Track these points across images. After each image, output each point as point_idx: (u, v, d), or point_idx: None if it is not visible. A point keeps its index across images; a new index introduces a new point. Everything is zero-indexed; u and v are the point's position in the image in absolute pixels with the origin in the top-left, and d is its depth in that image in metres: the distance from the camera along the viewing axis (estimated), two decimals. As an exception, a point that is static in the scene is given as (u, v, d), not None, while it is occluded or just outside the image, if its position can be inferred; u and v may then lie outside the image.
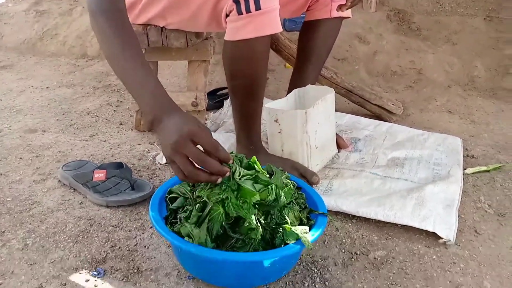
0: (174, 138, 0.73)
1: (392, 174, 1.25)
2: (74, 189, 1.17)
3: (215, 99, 1.74)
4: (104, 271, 0.89)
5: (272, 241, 0.80)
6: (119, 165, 1.19)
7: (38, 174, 1.25)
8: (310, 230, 0.82)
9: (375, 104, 1.66)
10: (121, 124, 1.61)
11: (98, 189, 1.12)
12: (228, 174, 0.76)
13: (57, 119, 1.64)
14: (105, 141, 1.47)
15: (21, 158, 1.34)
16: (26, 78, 2.15)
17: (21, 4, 2.86)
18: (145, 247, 0.97)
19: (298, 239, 0.78)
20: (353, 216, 1.08)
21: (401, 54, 2.24)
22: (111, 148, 1.41)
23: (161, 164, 1.31)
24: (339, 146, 1.37)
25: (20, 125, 1.58)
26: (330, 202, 1.08)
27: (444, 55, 2.21)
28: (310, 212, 0.89)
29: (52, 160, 1.33)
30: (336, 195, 1.13)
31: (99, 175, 1.13)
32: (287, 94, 1.34)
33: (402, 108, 1.69)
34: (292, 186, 0.93)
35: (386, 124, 1.59)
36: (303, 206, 0.89)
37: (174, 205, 0.85)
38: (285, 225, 0.80)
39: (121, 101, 1.83)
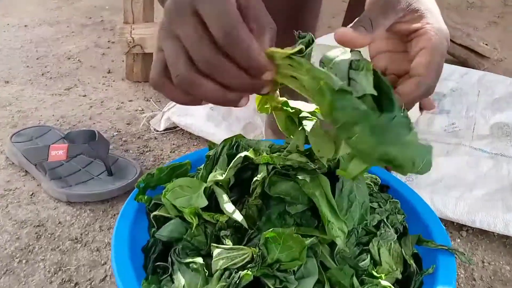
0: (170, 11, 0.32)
1: (505, 150, 0.81)
2: (26, 171, 0.78)
3: None
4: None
5: None
6: (91, 136, 0.78)
7: (-19, 146, 0.86)
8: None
9: (460, 45, 1.18)
10: (109, 72, 1.19)
11: (58, 173, 0.73)
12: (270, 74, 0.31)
13: (27, 66, 1.23)
14: (84, 96, 1.06)
15: (-36, 120, 0.95)
16: (3, 15, 1.73)
17: None
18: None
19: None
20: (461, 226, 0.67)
21: (479, -21, 1.71)
22: (91, 106, 1.01)
23: (158, 132, 0.90)
24: (422, 107, 0.93)
25: (-23, 73, 1.19)
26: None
27: (537, -19, 1.67)
28: (418, 243, 0.47)
29: (6, 124, 0.93)
30: (426, 187, 0.71)
31: (57, 153, 0.73)
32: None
33: (498, 50, 1.21)
34: (373, 185, 0.52)
35: (476, 73, 1.12)
36: (402, 231, 0.48)
37: (164, 233, 0.44)
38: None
39: (113, 42, 1.40)
